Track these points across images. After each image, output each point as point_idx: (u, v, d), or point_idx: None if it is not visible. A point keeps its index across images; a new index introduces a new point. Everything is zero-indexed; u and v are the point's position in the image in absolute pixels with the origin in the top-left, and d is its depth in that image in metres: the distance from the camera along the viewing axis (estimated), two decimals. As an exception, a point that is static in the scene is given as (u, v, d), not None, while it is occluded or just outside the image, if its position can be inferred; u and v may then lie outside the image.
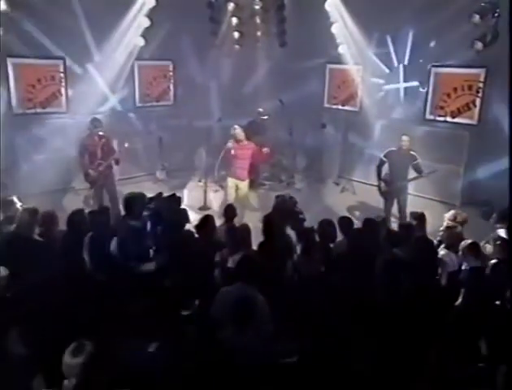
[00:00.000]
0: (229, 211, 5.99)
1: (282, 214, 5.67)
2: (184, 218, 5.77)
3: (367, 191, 9.40)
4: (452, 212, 5.56)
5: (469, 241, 4.70)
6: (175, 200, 6.14)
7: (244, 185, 7.53)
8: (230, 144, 7.39)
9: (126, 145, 7.73)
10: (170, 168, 10.39)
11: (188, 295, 4.56)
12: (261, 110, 9.92)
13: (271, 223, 5.40)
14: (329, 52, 10.14)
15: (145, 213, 5.58)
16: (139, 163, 10.26)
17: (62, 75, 9.45)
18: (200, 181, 9.24)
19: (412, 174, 7.60)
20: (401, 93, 9.96)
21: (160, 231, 5.47)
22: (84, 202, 8.23)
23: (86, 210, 5.83)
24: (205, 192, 8.91)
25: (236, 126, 7.40)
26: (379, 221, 5.71)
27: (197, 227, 5.64)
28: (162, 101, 10.96)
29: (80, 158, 7.73)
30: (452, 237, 5.16)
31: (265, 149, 7.41)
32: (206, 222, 5.66)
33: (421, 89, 9.50)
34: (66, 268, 4.51)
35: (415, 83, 9.71)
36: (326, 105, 11.23)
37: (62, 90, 9.53)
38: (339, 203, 9.29)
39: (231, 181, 7.58)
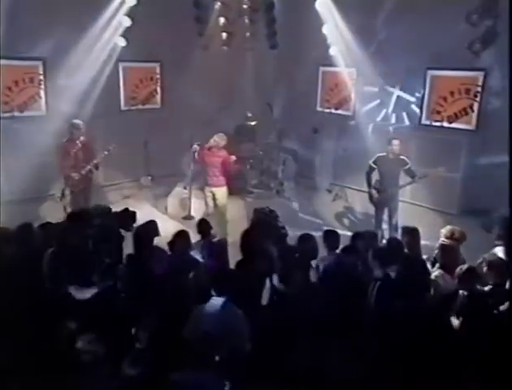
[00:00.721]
0: (202, 226, 5.47)
1: (261, 229, 5.13)
2: (152, 232, 5.20)
3: (361, 198, 8.84)
4: (448, 228, 5.02)
5: (465, 267, 4.16)
6: (128, 216, 5.47)
7: (221, 193, 7.07)
8: (196, 146, 6.97)
9: (110, 148, 7.08)
10: (155, 174, 9.90)
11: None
12: (249, 114, 9.48)
13: (249, 240, 4.87)
14: (321, 54, 9.61)
15: (90, 230, 4.95)
16: (123, 169, 9.75)
17: (41, 77, 8.90)
18: (185, 188, 8.63)
19: (404, 180, 7.12)
20: (396, 97, 9.40)
21: (106, 252, 4.82)
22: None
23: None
24: (189, 200, 8.37)
25: (221, 134, 6.89)
26: (369, 236, 5.18)
27: (170, 243, 5.12)
28: (148, 104, 10.47)
29: (60, 161, 7.30)
30: (448, 257, 4.64)
31: (232, 157, 6.94)
32: (179, 237, 5.15)
33: (416, 95, 8.96)
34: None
35: (411, 86, 9.12)
36: (318, 108, 10.76)
37: (42, 93, 8.95)
38: (330, 212, 8.86)
39: (207, 190, 7.16)
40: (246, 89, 10.06)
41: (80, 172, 7.19)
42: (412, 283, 4.21)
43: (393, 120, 9.64)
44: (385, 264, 4.63)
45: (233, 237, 6.70)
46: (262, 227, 5.12)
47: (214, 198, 7.05)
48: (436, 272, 4.62)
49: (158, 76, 10.49)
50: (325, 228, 5.25)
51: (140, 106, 10.27)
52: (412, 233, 5.11)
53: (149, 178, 9.85)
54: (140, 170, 9.92)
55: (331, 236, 5.17)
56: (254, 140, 9.27)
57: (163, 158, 9.80)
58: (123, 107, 10.13)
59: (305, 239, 4.84)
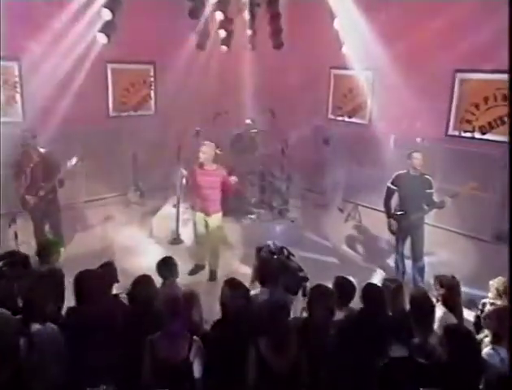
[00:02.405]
0: (165, 266, 4.12)
1: (268, 272, 3.76)
2: (106, 279, 3.83)
3: (376, 219, 7.52)
4: (502, 281, 3.57)
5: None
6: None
7: (215, 221, 5.81)
8: (184, 171, 5.75)
9: (74, 161, 5.72)
10: (144, 189, 8.67)
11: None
12: (249, 121, 8.08)
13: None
14: (333, 54, 8.19)
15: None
16: (109, 182, 8.58)
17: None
18: (174, 206, 7.25)
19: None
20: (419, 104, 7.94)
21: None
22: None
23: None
24: (177, 220, 7.01)
25: (207, 142, 5.59)
26: (392, 288, 3.71)
27: (129, 294, 3.71)
28: (141, 110, 9.30)
29: (14, 180, 5.96)
30: (503, 325, 3.14)
31: (232, 178, 5.64)
32: (140, 284, 3.76)
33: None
34: None
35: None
36: (330, 116, 9.46)
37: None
38: (341, 234, 7.54)
39: (198, 216, 5.86)
40: (246, 94, 8.84)
41: (37, 194, 5.75)
42: (459, 370, 2.72)
43: (415, 130, 8.15)
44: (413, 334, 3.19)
45: (226, 270, 5.80)
46: (270, 273, 3.72)
47: (206, 225, 5.82)
48: (487, 349, 3.13)
49: (152, 79, 9.32)
50: (337, 276, 3.75)
51: (131, 113, 9.10)
52: (451, 286, 3.63)
53: (138, 193, 8.59)
54: (128, 183, 8.73)
55: (344, 286, 3.71)
56: (254, 151, 7.89)
57: (155, 170, 8.62)
58: (111, 113, 8.93)
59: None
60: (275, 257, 4.03)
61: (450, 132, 7.81)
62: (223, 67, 8.70)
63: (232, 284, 3.54)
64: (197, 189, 5.67)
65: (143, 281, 3.82)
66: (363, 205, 8.34)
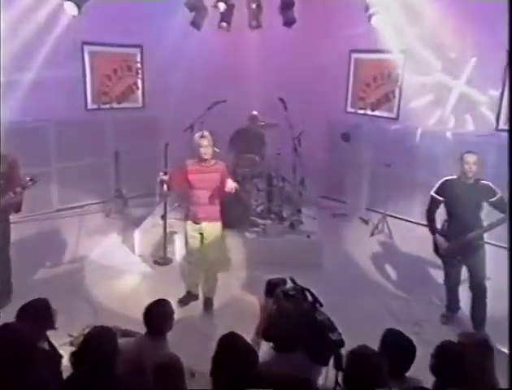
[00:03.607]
0: (153, 313, 3.19)
1: (284, 326, 2.64)
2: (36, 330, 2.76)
3: (411, 234, 6.76)
4: None
5: None
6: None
7: (214, 232, 4.86)
8: (163, 176, 4.85)
9: (28, 182, 4.54)
10: (129, 196, 7.75)
11: None
12: (255, 113, 7.13)
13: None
14: (355, 34, 7.47)
15: None
16: (86, 188, 7.64)
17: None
18: (162, 217, 6.27)
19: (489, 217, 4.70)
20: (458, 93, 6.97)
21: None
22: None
23: None
24: (165, 234, 6.04)
25: (206, 133, 4.73)
26: (476, 348, 2.62)
27: (77, 353, 2.70)
28: (126, 102, 8.31)
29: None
30: None
31: (229, 184, 4.68)
32: (97, 339, 2.68)
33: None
34: None
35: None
36: (349, 109, 8.46)
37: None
38: (366, 252, 6.50)
39: (191, 227, 4.88)
40: (251, 81, 7.91)
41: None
42: None
43: (451, 124, 7.25)
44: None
45: (225, 297, 5.11)
46: (286, 328, 2.62)
47: (201, 239, 4.86)
48: None
49: (139, 65, 8.33)
50: (388, 329, 2.76)
51: (114, 105, 8.10)
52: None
53: (120, 200, 7.65)
54: (108, 189, 7.81)
55: (400, 347, 2.64)
56: (261, 150, 6.93)
57: (141, 173, 7.67)
58: (89, 105, 7.95)
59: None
60: (295, 302, 2.87)
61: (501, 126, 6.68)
62: (222, 49, 7.90)
63: (231, 345, 2.43)
64: (194, 191, 4.76)
65: (103, 336, 2.72)
66: (393, 216, 7.31)
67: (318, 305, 2.96)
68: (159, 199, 5.70)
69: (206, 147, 4.63)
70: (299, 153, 6.51)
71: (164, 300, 3.26)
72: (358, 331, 3.67)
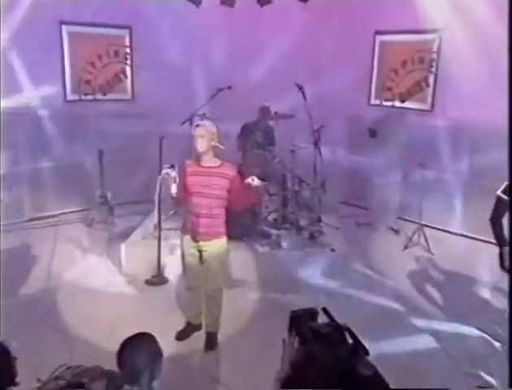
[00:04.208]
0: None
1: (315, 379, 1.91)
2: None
3: (454, 247, 6.26)
4: None
5: None
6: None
7: (214, 251, 4.16)
8: (171, 171, 4.12)
9: None
10: (114, 202, 7.09)
11: None
12: (266, 104, 6.62)
13: None
14: (381, 13, 7.03)
15: None
16: (64, 193, 7.09)
17: None
18: (155, 227, 5.63)
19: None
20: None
21: None
22: None
23: None
24: (159, 249, 5.41)
25: (205, 122, 4.23)
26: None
27: None
28: (111, 93, 7.72)
29: None
30: None
31: (254, 181, 3.99)
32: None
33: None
34: None
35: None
36: (373, 101, 7.88)
37: None
38: (400, 268, 5.85)
39: (188, 243, 4.21)
40: (260, 66, 7.37)
41: None
42: None
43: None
44: None
45: (230, 328, 4.48)
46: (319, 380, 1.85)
47: (200, 256, 4.20)
48: None
49: (128, 50, 7.74)
50: None
51: (98, 96, 7.56)
52: None
53: (105, 208, 7.00)
54: (91, 194, 7.20)
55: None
56: (273, 147, 6.45)
57: (130, 175, 7.30)
58: (69, 96, 7.35)
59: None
60: (329, 345, 2.12)
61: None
62: (226, 30, 7.35)
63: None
64: (192, 199, 4.09)
65: None
66: (429, 226, 6.64)
67: (361, 351, 2.18)
68: (158, 203, 4.96)
69: (201, 138, 3.98)
70: (320, 152, 6.06)
71: (146, 335, 2.49)
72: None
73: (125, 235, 6.15)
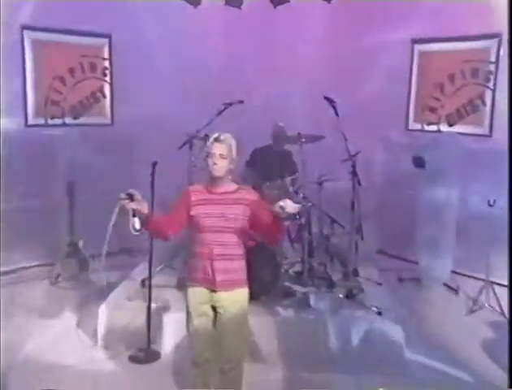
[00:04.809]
0: None
1: None
2: None
3: None
4: None
5: None
6: None
7: (235, 304, 3.74)
8: (126, 204, 3.61)
9: None
10: (89, 253, 6.78)
11: None
12: (281, 124, 6.56)
13: None
14: (421, 18, 6.94)
15: None
16: (24, 242, 6.79)
17: None
18: (143, 284, 5.62)
19: None
20: None
21: None
22: None
23: None
24: (148, 313, 5.04)
25: (225, 136, 3.70)
26: None
27: None
28: (86, 115, 7.58)
29: None
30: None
31: (287, 206, 3.47)
32: None
33: None
34: None
35: None
36: (413, 125, 7.60)
37: None
38: (471, 345, 5.29)
39: (197, 297, 3.76)
40: (274, 79, 7.39)
41: None
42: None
43: None
44: None
45: None
46: None
47: (215, 316, 3.77)
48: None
49: (107, 64, 7.65)
50: None
51: (68, 120, 7.37)
52: None
53: (75, 260, 6.70)
54: (58, 243, 6.98)
55: None
56: (293, 178, 6.04)
57: (108, 218, 6.55)
58: (31, 120, 7.13)
59: None
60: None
61: None
62: (234, 34, 7.41)
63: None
64: (196, 235, 3.72)
65: None
66: (499, 284, 6.13)
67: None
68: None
69: (221, 158, 3.56)
70: (359, 181, 5.61)
71: None
72: None
73: (102, 295, 5.77)
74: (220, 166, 3.55)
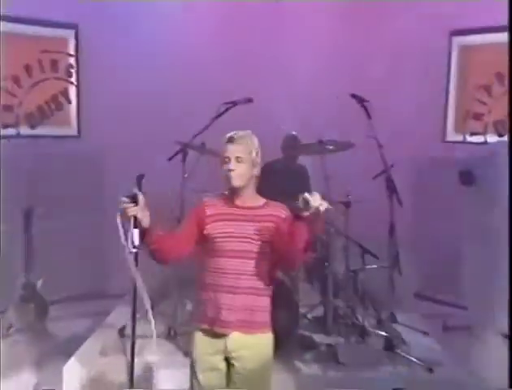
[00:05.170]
0: None
1: None
2: None
3: None
4: None
5: None
6: None
7: (256, 354, 3.56)
8: (131, 208, 3.38)
9: None
10: (50, 296, 6.73)
11: None
12: (293, 133, 6.79)
13: None
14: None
15: None
16: None
17: None
18: (122, 334, 5.64)
19: None
20: None
21: None
22: None
23: None
24: (131, 370, 4.92)
25: (246, 135, 3.63)
26: None
27: None
28: (46, 124, 7.55)
29: None
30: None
31: (307, 197, 3.30)
32: None
33: None
34: None
35: None
36: (451, 135, 7.65)
37: None
38: None
39: (207, 344, 3.56)
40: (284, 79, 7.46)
41: None
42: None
43: None
44: None
45: None
46: None
47: (228, 368, 3.59)
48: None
49: (72, 61, 7.65)
50: None
51: (23, 130, 7.37)
52: None
53: (31, 306, 6.52)
54: (9, 284, 6.72)
55: None
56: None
57: (75, 251, 7.28)
58: None
59: None
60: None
61: None
62: (231, 23, 7.47)
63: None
64: (208, 261, 3.56)
65: None
66: None
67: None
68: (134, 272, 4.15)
69: (234, 163, 3.42)
70: (400, 200, 5.46)
71: None
72: None
73: (67, 350, 5.63)
74: (238, 174, 3.37)
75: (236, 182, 3.37)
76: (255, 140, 3.51)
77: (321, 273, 5.87)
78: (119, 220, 3.15)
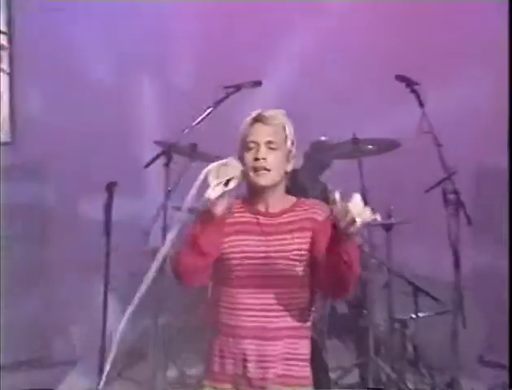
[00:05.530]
0: None
1: None
2: None
3: None
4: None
5: None
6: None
7: None
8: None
9: None
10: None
11: None
12: (323, 139, 6.65)
13: None
14: None
15: None
16: None
17: None
18: None
19: None
20: None
21: None
22: None
23: None
24: None
25: (277, 114, 3.34)
26: None
27: None
28: None
29: None
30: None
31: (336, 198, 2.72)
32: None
33: None
34: None
35: None
36: None
37: None
38: None
39: None
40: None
41: None
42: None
43: None
44: None
45: None
46: None
47: None
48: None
49: (5, 43, 7.58)
50: None
51: None
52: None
53: None
54: None
55: None
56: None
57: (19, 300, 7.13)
58: None
59: None
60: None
61: None
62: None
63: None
64: (227, 291, 3.35)
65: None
66: None
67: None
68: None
69: (265, 151, 3.12)
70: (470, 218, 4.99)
71: None
72: None
73: None
74: (271, 164, 3.05)
75: (266, 179, 3.02)
76: (289, 123, 3.16)
77: (356, 324, 5.53)
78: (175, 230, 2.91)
